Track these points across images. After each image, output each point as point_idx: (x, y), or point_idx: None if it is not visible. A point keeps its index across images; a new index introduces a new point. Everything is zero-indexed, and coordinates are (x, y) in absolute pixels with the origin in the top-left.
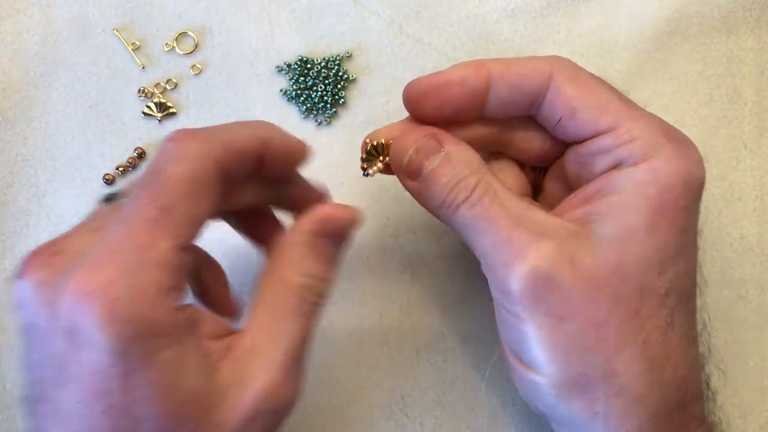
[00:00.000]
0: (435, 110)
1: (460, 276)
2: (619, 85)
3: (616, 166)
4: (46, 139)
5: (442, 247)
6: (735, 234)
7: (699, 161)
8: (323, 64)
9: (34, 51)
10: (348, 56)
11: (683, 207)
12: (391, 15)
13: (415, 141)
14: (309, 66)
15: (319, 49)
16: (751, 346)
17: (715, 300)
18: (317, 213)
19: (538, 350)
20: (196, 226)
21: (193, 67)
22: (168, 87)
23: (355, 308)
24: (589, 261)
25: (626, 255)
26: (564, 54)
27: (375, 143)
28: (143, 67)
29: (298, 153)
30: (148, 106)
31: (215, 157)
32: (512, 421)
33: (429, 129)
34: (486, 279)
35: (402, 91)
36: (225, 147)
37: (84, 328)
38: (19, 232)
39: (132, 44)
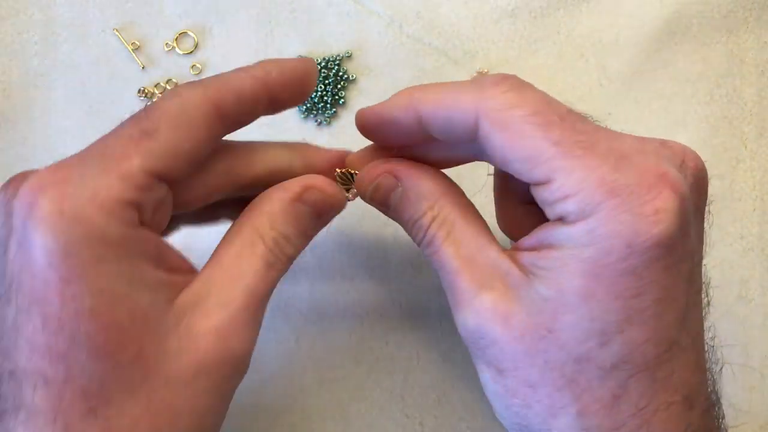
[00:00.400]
0: (385, 141)
1: None
2: (619, 85)
3: (560, 218)
4: (46, 139)
5: None
6: (735, 234)
7: (654, 214)
8: (323, 64)
9: (34, 51)
10: (348, 56)
11: (627, 271)
12: (391, 15)
13: (371, 180)
14: None
15: (319, 49)
16: (752, 347)
17: (715, 300)
18: (306, 178)
19: (486, 387)
20: (179, 160)
21: (193, 67)
22: (168, 87)
23: (355, 308)
24: (524, 321)
25: (559, 321)
26: (564, 54)
27: (343, 172)
28: (143, 67)
29: (303, 77)
30: None
31: (208, 96)
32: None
33: (387, 165)
34: None
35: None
36: (219, 87)
37: (28, 224)
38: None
39: (132, 44)
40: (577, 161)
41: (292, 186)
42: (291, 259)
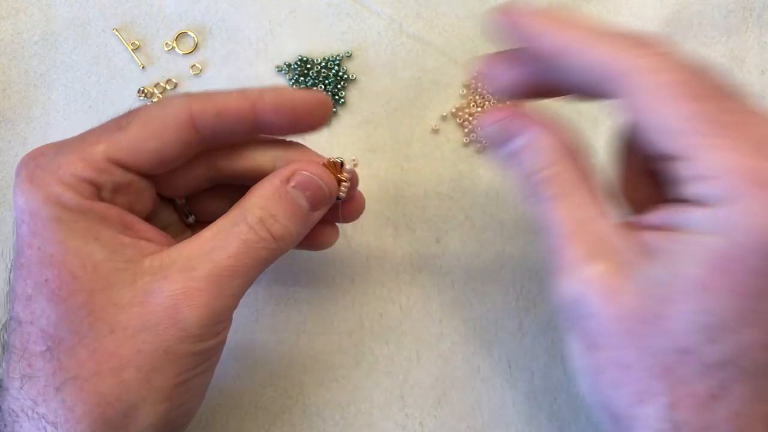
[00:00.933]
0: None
1: (460, 276)
2: None
3: (693, 199)
4: (46, 139)
5: (442, 247)
6: None
7: None
8: (323, 64)
9: (34, 51)
10: (348, 56)
11: (755, 270)
12: (391, 15)
13: (498, 119)
14: (309, 66)
15: (319, 49)
16: None
17: None
18: (296, 164)
19: (575, 359)
20: (141, 154)
21: (192, 67)
22: (168, 87)
23: (355, 308)
24: (632, 300)
25: (670, 308)
26: None
27: (331, 161)
28: (143, 67)
29: (304, 109)
30: None
31: (187, 105)
32: (512, 421)
33: (519, 109)
34: (486, 279)
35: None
36: (202, 99)
37: (14, 188)
38: None
39: (132, 44)
40: (725, 141)
41: (283, 171)
42: (281, 240)
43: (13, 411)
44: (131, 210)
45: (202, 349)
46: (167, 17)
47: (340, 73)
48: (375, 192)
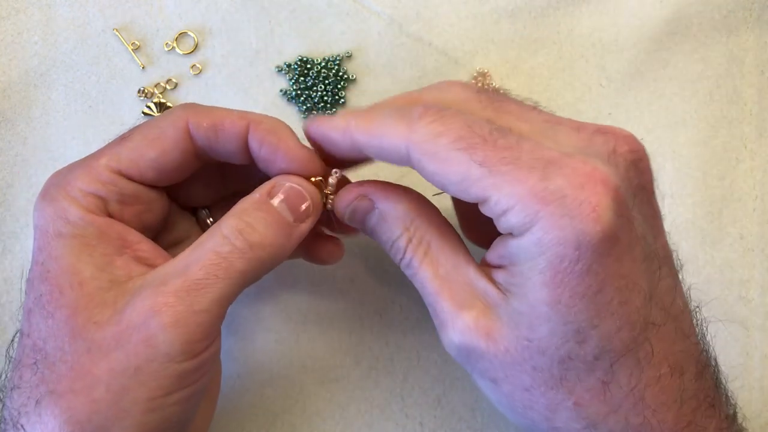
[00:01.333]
0: (328, 155)
1: None
2: (618, 85)
3: (508, 231)
4: (46, 139)
5: None
6: (735, 234)
7: (592, 212)
8: (323, 64)
9: (34, 51)
10: (348, 56)
11: (583, 271)
12: (391, 15)
13: (347, 203)
14: (309, 66)
15: (319, 49)
16: (752, 347)
17: (715, 300)
18: (277, 177)
19: (488, 396)
20: (143, 164)
21: (193, 67)
22: (168, 87)
23: (355, 308)
24: (505, 334)
25: (536, 331)
26: (564, 54)
27: (315, 180)
28: (143, 67)
29: (287, 159)
30: (148, 106)
31: (185, 116)
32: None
33: (361, 187)
34: None
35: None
36: (200, 111)
37: (35, 207)
38: (19, 233)
39: (132, 44)
40: (505, 177)
41: (266, 184)
42: (258, 248)
43: (5, 419)
44: (141, 221)
45: (175, 371)
46: (167, 17)
47: (340, 73)
48: None
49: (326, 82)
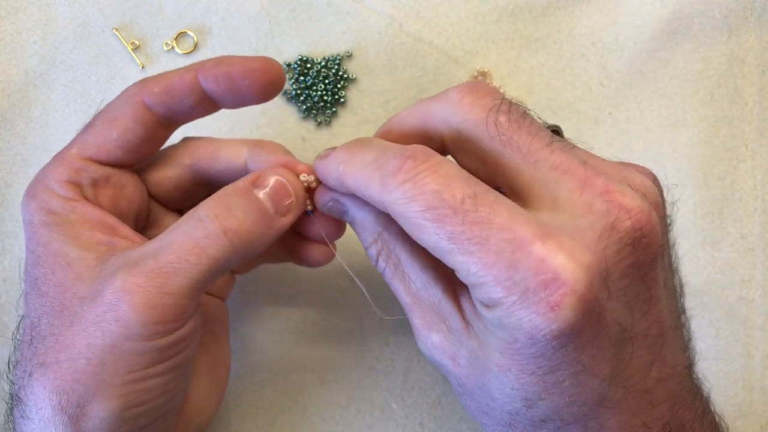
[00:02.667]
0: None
1: None
2: (619, 85)
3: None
4: (46, 139)
5: None
6: (736, 234)
7: (550, 311)
8: (323, 64)
9: (34, 51)
10: (348, 56)
11: (536, 355)
12: (391, 15)
13: (323, 204)
14: (309, 66)
15: (319, 49)
16: (752, 346)
17: (716, 300)
18: (264, 168)
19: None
20: (109, 144)
21: None
22: None
23: (355, 308)
24: (466, 365)
25: (488, 381)
26: (564, 54)
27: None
28: (143, 67)
29: (252, 75)
30: None
31: (136, 89)
32: None
33: (330, 191)
34: None
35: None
36: (148, 80)
37: (21, 204)
38: (18, 233)
39: (131, 44)
40: (471, 257)
41: (250, 175)
42: (232, 234)
43: (11, 396)
44: (117, 207)
45: (152, 348)
46: (167, 17)
47: (340, 73)
48: None
49: (326, 81)
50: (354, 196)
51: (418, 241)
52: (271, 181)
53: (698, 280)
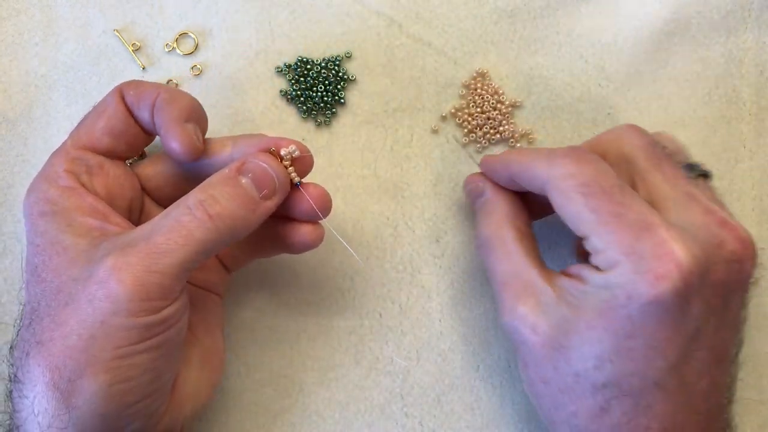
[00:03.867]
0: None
1: (460, 276)
2: (617, 85)
3: (594, 264)
4: (47, 140)
5: (442, 247)
6: None
7: (654, 280)
8: (323, 64)
9: (35, 52)
10: (348, 56)
11: (624, 316)
12: (391, 15)
13: (467, 184)
14: (309, 66)
15: (319, 49)
16: (752, 347)
17: None
18: (245, 155)
19: (520, 374)
20: (97, 133)
21: (193, 67)
22: None
23: (355, 308)
24: (546, 332)
25: (570, 340)
26: (563, 54)
27: (271, 151)
28: (144, 68)
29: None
30: None
31: (118, 88)
32: (512, 420)
33: (481, 179)
34: (485, 279)
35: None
36: (129, 82)
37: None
38: (19, 233)
39: (132, 45)
40: (607, 227)
41: (235, 162)
42: (218, 219)
43: (11, 377)
44: (111, 195)
45: (139, 324)
46: (167, 18)
47: (340, 74)
48: (375, 191)
49: (326, 82)
50: (494, 185)
51: (565, 213)
52: (253, 167)
53: None
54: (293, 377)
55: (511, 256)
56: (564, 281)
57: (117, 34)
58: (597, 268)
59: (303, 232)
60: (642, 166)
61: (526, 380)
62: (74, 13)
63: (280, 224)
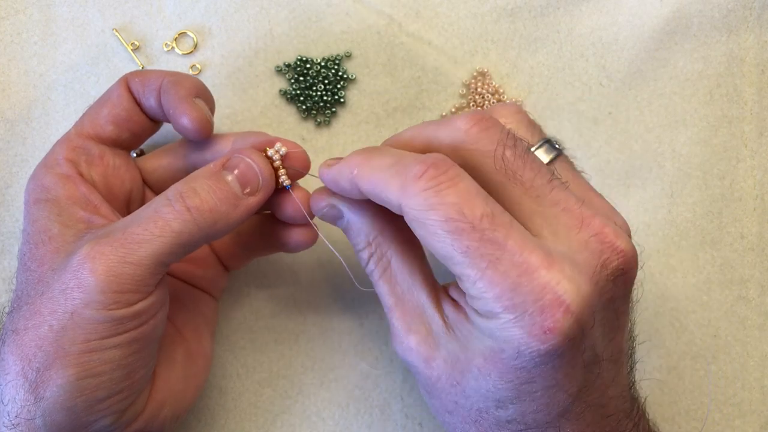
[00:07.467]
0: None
1: None
2: (618, 85)
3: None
4: (46, 140)
5: None
6: (735, 233)
7: (543, 334)
8: (323, 63)
9: (34, 51)
10: (348, 56)
11: (517, 367)
12: (390, 14)
13: (319, 209)
14: (308, 66)
15: (318, 49)
16: (752, 346)
17: (715, 300)
18: (231, 151)
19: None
20: (101, 122)
21: (192, 67)
22: None
23: (355, 308)
24: (441, 366)
25: (465, 380)
26: (564, 53)
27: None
28: (143, 68)
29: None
30: None
31: (123, 78)
32: None
33: (331, 197)
34: None
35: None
36: (134, 72)
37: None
38: (18, 233)
39: (131, 44)
40: (481, 273)
41: (219, 159)
42: (196, 211)
43: None
44: (108, 185)
45: (110, 317)
46: (167, 17)
47: (340, 73)
48: None
49: (326, 81)
50: (351, 202)
51: (429, 247)
52: (238, 163)
53: (698, 280)
54: (293, 378)
55: (398, 277)
56: (450, 312)
57: (116, 33)
58: (477, 312)
59: (296, 232)
60: (495, 179)
61: (430, 407)
62: (73, 13)
63: (275, 223)
